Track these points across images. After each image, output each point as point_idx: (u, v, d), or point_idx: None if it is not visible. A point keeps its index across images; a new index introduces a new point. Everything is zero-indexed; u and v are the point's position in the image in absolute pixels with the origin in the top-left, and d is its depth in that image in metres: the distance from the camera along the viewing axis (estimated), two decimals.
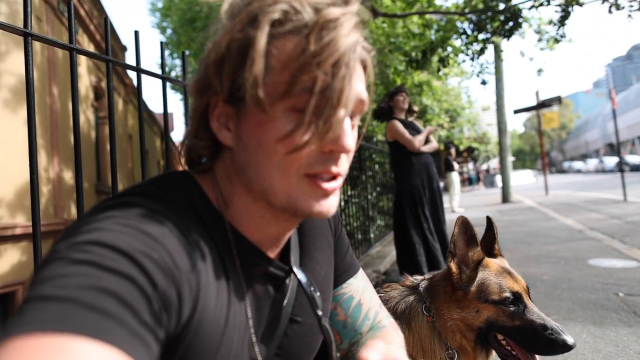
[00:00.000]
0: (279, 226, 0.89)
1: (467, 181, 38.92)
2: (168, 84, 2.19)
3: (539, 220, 10.64)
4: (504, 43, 12.79)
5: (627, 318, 3.76)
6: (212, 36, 0.84)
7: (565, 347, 1.45)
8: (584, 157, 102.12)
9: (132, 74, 14.70)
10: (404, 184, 5.20)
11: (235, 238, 0.86)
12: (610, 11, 8.16)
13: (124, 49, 15.04)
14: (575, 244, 7.19)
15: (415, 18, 10.84)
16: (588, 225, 9.05)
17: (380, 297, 1.39)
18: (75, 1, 9.54)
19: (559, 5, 8.51)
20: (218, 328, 0.78)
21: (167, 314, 0.64)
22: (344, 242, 1.23)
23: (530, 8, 8.56)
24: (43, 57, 8.14)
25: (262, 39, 0.73)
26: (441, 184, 5.60)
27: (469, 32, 9.93)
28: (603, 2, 8.15)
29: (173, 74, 20.11)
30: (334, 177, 0.82)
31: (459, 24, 10.25)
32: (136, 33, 1.99)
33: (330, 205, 0.83)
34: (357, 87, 0.79)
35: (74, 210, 8.87)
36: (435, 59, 10.86)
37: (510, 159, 17.01)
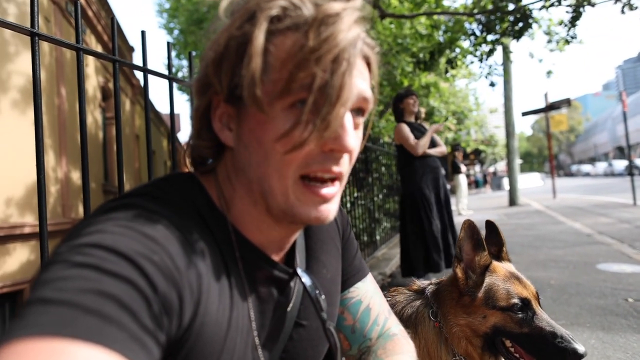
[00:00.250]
0: (281, 231, 0.88)
1: (474, 184, 38.80)
2: (175, 85, 2.19)
3: (547, 224, 10.56)
4: (512, 44, 12.71)
5: (636, 324, 3.70)
6: (212, 35, 0.83)
7: (576, 356, 1.41)
8: (592, 160, 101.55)
9: (139, 75, 14.79)
10: (409, 188, 5.21)
11: (238, 240, 0.85)
12: (623, 11, 8.08)
13: (131, 49, 15.11)
14: (583, 248, 7.12)
15: (422, 19, 10.81)
16: (597, 230, 8.97)
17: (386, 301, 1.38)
18: (83, 2, 9.58)
19: (570, 5, 8.44)
20: (220, 331, 0.76)
21: (168, 317, 0.63)
22: (353, 245, 1.21)
23: (540, 9, 8.49)
24: (51, 58, 8.19)
25: (259, 36, 0.72)
26: (448, 186, 5.57)
27: (477, 33, 9.87)
28: (616, 2, 8.07)
29: (180, 74, 20.15)
30: (332, 181, 0.80)
31: (467, 25, 10.20)
32: (143, 33, 1.99)
33: (328, 211, 0.81)
34: (359, 84, 0.77)
35: (81, 210, 8.89)
36: (443, 60, 10.81)
37: (517, 161, 16.93)
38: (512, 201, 16.77)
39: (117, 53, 1.88)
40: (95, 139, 10.44)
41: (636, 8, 8.02)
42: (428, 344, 1.63)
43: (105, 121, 12.11)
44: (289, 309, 0.95)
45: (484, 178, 39.17)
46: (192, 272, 0.71)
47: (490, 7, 9.10)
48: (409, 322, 1.66)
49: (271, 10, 0.73)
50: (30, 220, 7.17)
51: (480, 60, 10.35)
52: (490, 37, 9.71)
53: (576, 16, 8.65)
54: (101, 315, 0.52)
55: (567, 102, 16.87)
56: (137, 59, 15.94)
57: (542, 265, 6.07)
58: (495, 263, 1.66)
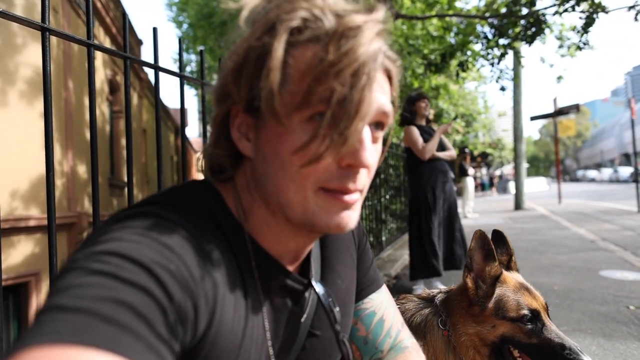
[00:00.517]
0: (299, 241, 0.87)
1: (480, 187, 38.75)
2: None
3: (552, 229, 10.56)
4: (523, 49, 12.67)
5: (637, 332, 3.71)
6: (232, 44, 0.82)
7: None
8: (598, 166, 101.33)
9: (147, 69, 14.80)
10: (417, 191, 5.21)
11: (254, 250, 0.84)
12: (636, 19, 8.03)
13: (139, 42, 15.13)
14: (587, 254, 7.12)
15: (434, 20, 10.78)
16: (601, 236, 8.96)
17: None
18: None
19: (583, 11, 8.40)
20: (235, 341, 0.76)
21: (182, 326, 0.63)
22: (368, 256, 1.20)
23: (554, 14, 8.45)
24: (59, 50, 8.20)
25: (279, 49, 0.71)
26: (455, 189, 5.58)
27: (489, 36, 9.83)
28: (629, 10, 8.02)
29: (188, 69, 20.18)
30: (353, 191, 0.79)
31: (479, 27, 10.17)
32: (154, 30, 1.98)
33: (349, 218, 0.79)
34: (379, 98, 0.76)
35: (87, 204, 8.97)
36: (454, 62, 10.78)
37: (524, 165, 16.90)
38: (518, 205, 16.75)
39: (128, 50, 1.87)
40: (102, 133, 10.46)
41: None
42: (436, 353, 1.62)
43: (112, 115, 12.14)
44: (303, 319, 0.94)
45: (490, 181, 39.09)
46: (207, 282, 0.70)
47: (503, 10, 9.06)
48: (417, 330, 1.65)
49: (291, 22, 0.72)
50: (35, 213, 7.19)
51: (492, 65, 10.31)
52: (502, 41, 9.67)
53: (589, 22, 8.61)
54: (117, 324, 0.52)
55: (575, 108, 16.83)
56: (145, 52, 15.96)
57: (546, 270, 6.08)
58: (505, 273, 1.65)
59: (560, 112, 17.01)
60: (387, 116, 0.79)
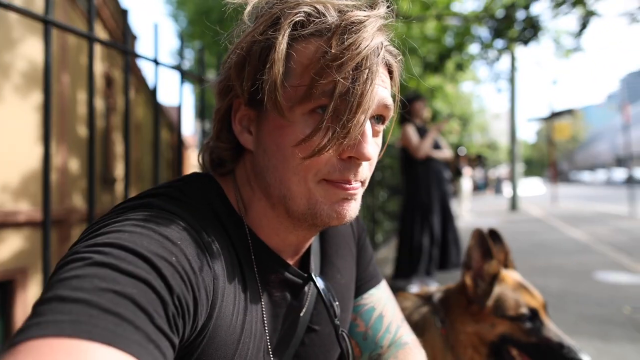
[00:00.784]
0: (299, 234, 0.88)
1: (475, 187, 38.79)
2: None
3: (547, 231, 10.62)
4: (519, 51, 12.74)
5: (632, 334, 3.74)
6: (235, 38, 0.83)
7: None
8: (592, 168, 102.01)
9: (142, 64, 14.71)
10: (411, 191, 5.21)
11: (253, 243, 0.84)
12: (630, 23, 8.10)
13: (134, 38, 15.05)
14: (581, 256, 7.17)
15: (431, 22, 10.79)
16: (595, 238, 9.02)
17: None
18: None
19: (577, 15, 8.46)
20: (234, 335, 0.76)
21: (182, 319, 0.62)
22: (368, 251, 1.20)
23: (553, 17, 8.50)
24: (55, 44, 8.12)
25: (282, 43, 0.72)
26: (452, 188, 5.61)
27: (486, 38, 9.86)
28: (622, 16, 8.10)
29: (185, 64, 20.01)
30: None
31: (476, 29, 10.19)
32: (155, 26, 1.97)
33: (350, 209, 0.81)
34: (381, 91, 0.77)
35: (78, 198, 8.88)
36: (451, 64, 10.80)
37: (520, 167, 16.98)
38: (513, 206, 16.82)
39: (129, 45, 1.87)
40: (96, 127, 10.37)
41: (639, 21, 8.05)
42: (434, 351, 1.62)
43: (107, 109, 12.07)
44: (302, 313, 0.94)
45: (485, 182, 39.08)
46: (207, 274, 0.70)
47: (499, 11, 9.09)
48: (415, 328, 1.64)
49: (295, 17, 0.73)
50: (24, 208, 7.08)
51: (488, 64, 10.34)
52: (498, 44, 9.71)
53: (583, 26, 8.67)
54: (117, 316, 0.52)
55: (569, 112, 16.99)
56: (140, 48, 15.88)
57: (541, 272, 6.10)
58: (503, 272, 1.66)
59: (555, 115, 17.16)
60: (388, 109, 0.80)
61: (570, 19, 8.66)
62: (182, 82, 2.18)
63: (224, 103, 0.84)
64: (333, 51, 0.69)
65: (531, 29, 8.53)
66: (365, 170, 0.81)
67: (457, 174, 15.09)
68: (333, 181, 0.77)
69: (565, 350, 1.45)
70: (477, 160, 17.42)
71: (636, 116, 76.46)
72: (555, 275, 5.88)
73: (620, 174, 47.60)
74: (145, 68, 16.42)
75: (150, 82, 13.97)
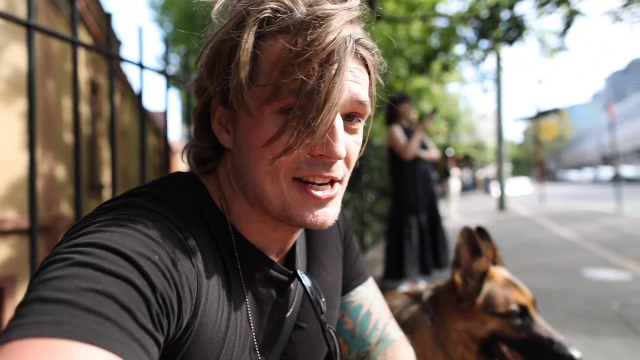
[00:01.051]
0: (281, 232, 0.87)
1: (463, 188, 38.95)
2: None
3: (535, 230, 10.68)
4: (505, 51, 12.82)
5: (621, 330, 3.77)
6: (206, 37, 0.82)
7: None
8: (579, 167, 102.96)
9: (127, 69, 14.61)
10: (399, 192, 5.22)
11: (237, 241, 0.84)
12: (613, 22, 8.20)
13: (118, 43, 14.97)
14: (569, 254, 7.22)
15: (416, 24, 10.84)
16: (583, 237, 9.09)
17: None
18: None
19: (561, 14, 8.54)
20: (219, 332, 0.76)
21: (166, 317, 0.62)
22: (354, 248, 1.20)
23: (537, 16, 8.57)
24: (39, 51, 8.06)
25: (247, 41, 0.71)
26: (440, 189, 5.63)
27: (471, 39, 9.92)
28: (605, 15, 8.19)
29: (171, 69, 19.92)
30: (331, 184, 0.79)
31: (461, 30, 10.25)
32: (140, 30, 1.96)
33: (326, 215, 0.79)
34: (353, 87, 0.75)
35: (65, 205, 8.81)
36: (437, 65, 10.85)
37: (507, 167, 17.09)
38: (501, 206, 16.91)
39: (113, 49, 1.85)
40: (82, 134, 10.29)
41: (622, 20, 8.15)
42: (424, 350, 1.62)
43: (93, 115, 11.98)
44: (288, 311, 0.94)
45: (473, 182, 39.23)
46: (191, 272, 0.70)
47: (483, 12, 9.15)
48: (405, 327, 1.63)
49: (261, 14, 0.72)
50: (11, 216, 7.00)
51: (474, 65, 10.40)
52: (484, 44, 9.77)
53: (567, 25, 8.75)
54: (100, 315, 0.52)
55: (555, 112, 17.15)
56: (125, 54, 15.77)
57: (529, 270, 6.14)
58: (492, 269, 1.66)
59: (541, 115, 17.30)
60: (363, 106, 0.78)
61: (555, 18, 8.73)
62: (168, 87, 2.17)
63: (200, 102, 0.84)
64: (297, 48, 0.68)
65: (516, 29, 8.58)
66: (341, 168, 0.80)
67: (445, 174, 15.16)
68: (306, 182, 0.76)
69: (555, 345, 1.46)
70: (465, 161, 17.53)
71: (621, 115, 77.53)
72: (543, 274, 5.91)
73: (606, 172, 48.08)
74: (131, 74, 16.30)
75: (136, 88, 13.86)
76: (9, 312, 6.92)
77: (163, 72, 2.12)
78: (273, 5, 0.72)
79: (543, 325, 1.54)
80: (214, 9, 0.80)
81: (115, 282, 0.56)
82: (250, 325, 0.84)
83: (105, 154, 12.21)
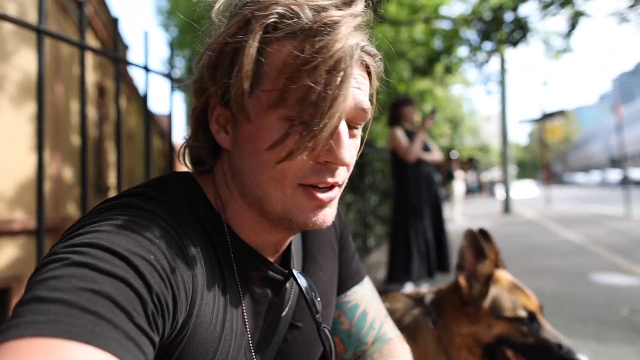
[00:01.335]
0: (277, 234, 0.87)
1: (468, 190, 38.86)
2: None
3: (541, 233, 10.60)
4: (509, 53, 12.77)
5: (630, 336, 3.71)
6: (207, 37, 0.82)
7: None
8: (586, 170, 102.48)
9: (134, 73, 14.65)
10: (402, 195, 5.21)
11: (232, 241, 0.84)
12: (619, 22, 8.15)
13: (125, 47, 15.05)
14: (576, 258, 7.15)
15: (419, 27, 10.82)
16: (590, 240, 9.01)
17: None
18: None
19: (566, 15, 8.50)
20: (214, 333, 0.76)
21: (162, 317, 0.63)
22: (350, 248, 1.20)
23: (541, 18, 8.53)
24: (49, 55, 8.12)
25: (251, 47, 0.70)
26: (444, 192, 5.60)
27: (474, 41, 9.89)
28: (611, 16, 8.15)
29: (176, 72, 19.95)
30: (330, 187, 0.79)
31: (464, 32, 10.23)
32: (145, 34, 1.98)
33: (325, 216, 0.80)
34: (357, 94, 0.75)
35: (72, 207, 8.86)
36: (440, 67, 10.83)
37: (512, 169, 17.01)
38: (506, 209, 16.83)
39: (119, 53, 1.87)
40: (89, 137, 10.33)
41: (629, 21, 8.10)
42: (427, 354, 1.61)
43: (100, 118, 12.05)
44: (284, 312, 0.94)
45: (478, 184, 39.14)
46: (187, 273, 0.70)
47: (486, 14, 9.13)
48: (407, 330, 1.64)
49: (267, 19, 0.71)
50: (19, 217, 7.07)
51: (477, 67, 10.37)
52: (487, 46, 9.74)
53: (572, 27, 8.70)
54: (96, 315, 0.52)
55: (561, 113, 17.07)
56: (131, 58, 15.84)
57: (535, 274, 6.09)
58: (497, 272, 1.66)
59: (546, 117, 17.23)
60: (365, 113, 0.78)
61: (559, 19, 8.69)
62: (173, 90, 2.19)
63: (200, 102, 0.83)
64: (304, 55, 0.67)
65: (520, 31, 8.54)
66: (343, 173, 0.80)
67: (450, 177, 15.12)
68: (310, 186, 0.76)
69: (564, 350, 1.45)
70: (469, 164, 17.47)
71: (629, 116, 77.11)
72: (549, 277, 5.87)
73: (614, 175, 47.72)
74: (137, 77, 16.38)
75: (142, 92, 13.92)
76: None
77: (168, 76, 2.13)
78: (280, 10, 0.71)
79: (551, 330, 1.53)
80: (215, 8, 0.80)
81: (111, 282, 0.57)
82: (246, 325, 0.85)
83: (111, 156, 12.28)
